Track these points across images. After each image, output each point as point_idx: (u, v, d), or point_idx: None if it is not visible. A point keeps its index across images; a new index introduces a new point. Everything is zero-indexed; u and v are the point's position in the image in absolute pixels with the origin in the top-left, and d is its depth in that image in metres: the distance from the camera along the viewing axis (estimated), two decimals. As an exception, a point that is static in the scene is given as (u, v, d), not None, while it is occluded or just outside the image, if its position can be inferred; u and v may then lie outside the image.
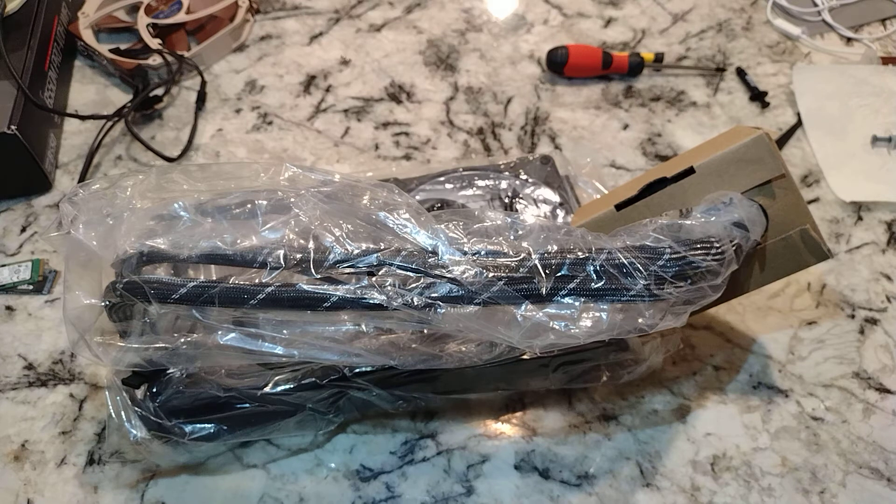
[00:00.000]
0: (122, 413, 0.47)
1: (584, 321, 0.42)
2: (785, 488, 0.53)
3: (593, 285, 0.41)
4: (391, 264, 0.41)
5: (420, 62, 0.83)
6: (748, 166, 0.48)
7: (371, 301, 0.40)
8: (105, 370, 0.49)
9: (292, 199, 0.43)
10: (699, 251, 0.42)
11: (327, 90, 0.80)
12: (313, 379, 0.49)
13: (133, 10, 0.83)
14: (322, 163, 0.73)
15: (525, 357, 0.50)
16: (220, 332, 0.42)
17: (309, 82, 0.80)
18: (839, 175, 0.72)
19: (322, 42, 0.84)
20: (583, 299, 0.42)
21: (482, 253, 0.42)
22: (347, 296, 0.40)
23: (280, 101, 0.78)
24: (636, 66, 0.80)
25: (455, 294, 0.41)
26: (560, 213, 0.63)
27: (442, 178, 0.65)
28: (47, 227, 0.66)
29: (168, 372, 0.48)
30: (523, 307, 0.41)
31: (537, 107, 0.78)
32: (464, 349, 0.44)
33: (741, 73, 0.81)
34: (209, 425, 0.50)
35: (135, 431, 0.47)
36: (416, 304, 0.40)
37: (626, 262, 0.41)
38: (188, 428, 0.49)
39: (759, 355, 0.60)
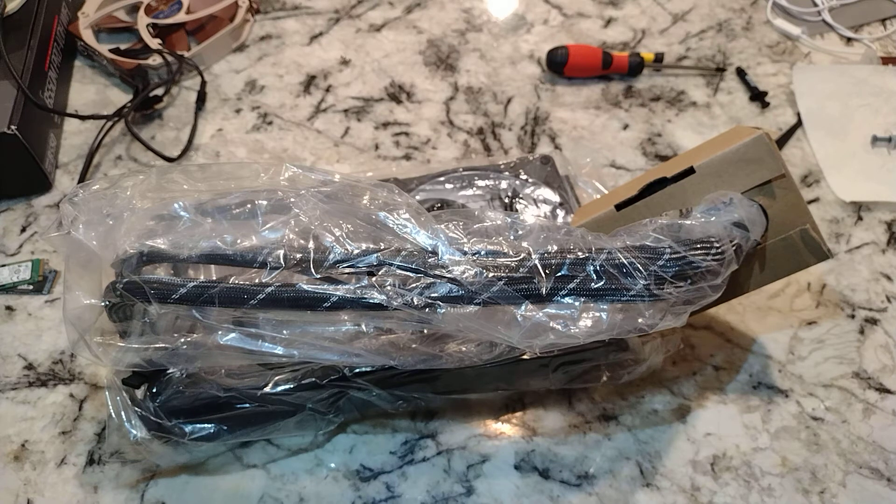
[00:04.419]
0: (122, 413, 0.47)
1: (584, 321, 0.42)
2: (785, 488, 0.53)
3: (593, 285, 0.41)
4: (391, 264, 0.41)
5: (420, 62, 0.83)
6: (748, 166, 0.48)
7: (371, 301, 0.40)
8: (105, 370, 0.49)
9: (292, 199, 0.43)
10: (699, 251, 0.42)
11: (327, 90, 0.80)
12: (313, 379, 0.49)
13: (133, 10, 0.83)
14: (322, 163, 0.73)
15: (525, 357, 0.50)
16: (220, 332, 0.42)
17: (309, 82, 0.80)
18: (839, 175, 0.72)
19: (322, 42, 0.84)
20: (583, 299, 0.42)
21: (482, 253, 0.42)
22: (347, 296, 0.40)
23: (280, 101, 0.78)
24: (636, 66, 0.80)
25: (455, 294, 0.41)
26: (560, 213, 0.63)
27: (442, 178, 0.65)
28: (47, 227, 0.66)
29: (168, 372, 0.48)
30: (523, 307, 0.41)
31: (537, 107, 0.78)
32: (464, 349, 0.44)
33: (741, 73, 0.81)
34: (209, 425, 0.50)
35: (135, 431, 0.47)
36: (416, 303, 0.40)
37: (626, 262, 0.41)
38: (188, 428, 0.49)
39: (759, 355, 0.60)
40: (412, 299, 0.40)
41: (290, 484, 0.53)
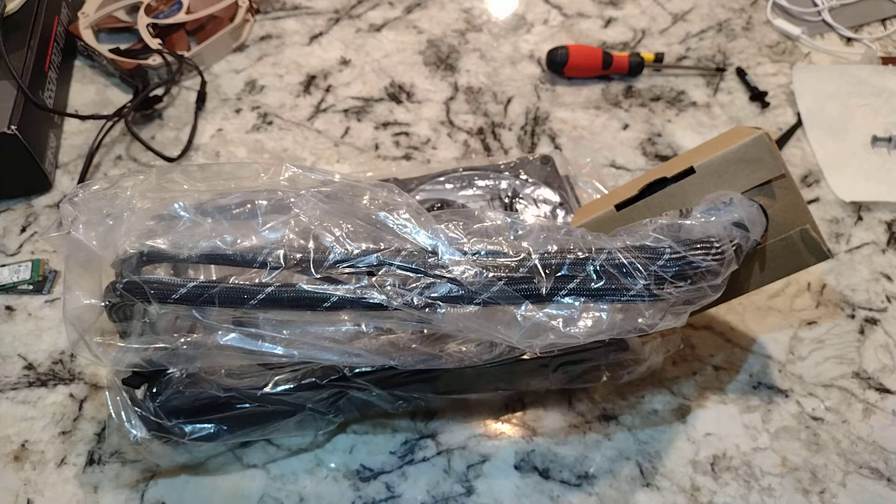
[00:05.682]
0: (122, 413, 0.47)
1: (584, 321, 0.42)
2: (785, 488, 0.53)
3: (593, 285, 0.41)
4: (391, 264, 0.41)
5: (420, 62, 0.83)
6: (748, 166, 0.48)
7: (371, 301, 0.40)
8: (105, 370, 0.49)
9: (292, 199, 0.43)
10: (699, 251, 0.42)
11: (327, 90, 0.80)
12: (313, 379, 0.49)
13: (133, 10, 0.83)
14: (322, 163, 0.73)
15: (525, 357, 0.50)
16: (220, 332, 0.42)
17: (309, 82, 0.80)
18: (839, 175, 0.72)
19: (322, 42, 0.84)
20: (583, 299, 0.42)
21: (482, 253, 0.42)
22: (347, 296, 0.40)
23: (280, 101, 0.78)
24: (636, 66, 0.80)
25: (455, 294, 0.41)
26: (560, 213, 0.63)
27: (442, 178, 0.65)
28: (47, 227, 0.66)
29: (168, 372, 0.48)
30: (523, 307, 0.41)
31: (537, 107, 0.78)
32: (464, 349, 0.44)
33: (741, 73, 0.81)
34: (209, 425, 0.50)
35: (135, 431, 0.47)
36: (416, 303, 0.40)
37: (626, 262, 0.41)
38: (188, 428, 0.49)
39: (759, 355, 0.60)
40: (412, 299, 0.40)
41: (290, 484, 0.53)
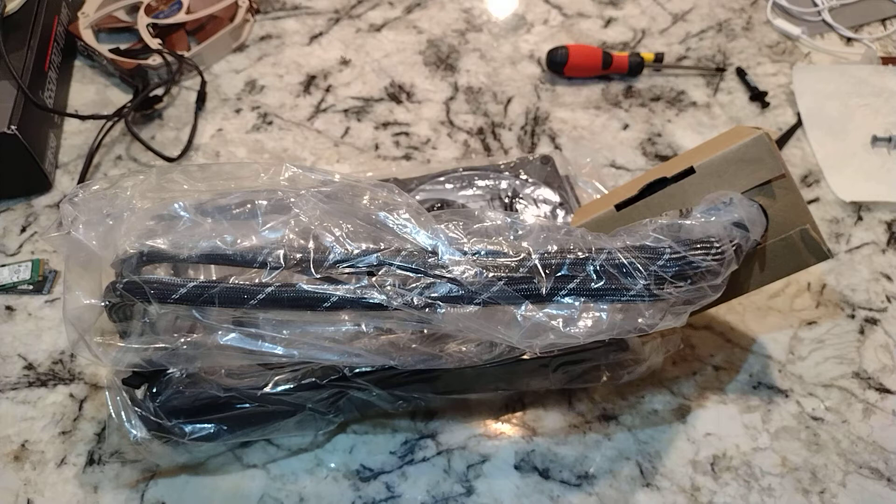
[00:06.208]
0: (122, 413, 0.47)
1: (584, 321, 0.42)
2: (785, 488, 0.53)
3: (593, 285, 0.41)
4: (391, 264, 0.41)
5: (420, 62, 0.83)
6: (748, 166, 0.48)
7: (371, 301, 0.40)
8: (105, 370, 0.49)
9: (292, 199, 0.43)
10: (699, 251, 0.42)
11: (327, 90, 0.80)
12: (313, 379, 0.49)
13: (133, 10, 0.83)
14: (322, 163, 0.73)
15: (525, 357, 0.50)
16: (220, 333, 0.42)
17: (309, 82, 0.80)
18: (839, 175, 0.72)
19: (322, 42, 0.84)
20: (583, 299, 0.42)
21: (482, 253, 0.42)
22: (347, 296, 0.40)
23: (280, 101, 0.78)
24: (636, 66, 0.80)
25: (455, 294, 0.41)
26: (560, 213, 0.63)
27: (442, 178, 0.65)
28: (47, 227, 0.66)
29: (168, 372, 0.48)
30: (523, 307, 0.41)
31: (537, 107, 0.78)
32: (464, 349, 0.44)
33: (741, 73, 0.81)
34: (209, 425, 0.50)
35: (135, 431, 0.47)
36: (416, 303, 0.40)
37: (626, 262, 0.41)
38: (188, 428, 0.49)
39: (759, 355, 0.60)
40: (412, 299, 0.40)
41: (290, 484, 0.53)
